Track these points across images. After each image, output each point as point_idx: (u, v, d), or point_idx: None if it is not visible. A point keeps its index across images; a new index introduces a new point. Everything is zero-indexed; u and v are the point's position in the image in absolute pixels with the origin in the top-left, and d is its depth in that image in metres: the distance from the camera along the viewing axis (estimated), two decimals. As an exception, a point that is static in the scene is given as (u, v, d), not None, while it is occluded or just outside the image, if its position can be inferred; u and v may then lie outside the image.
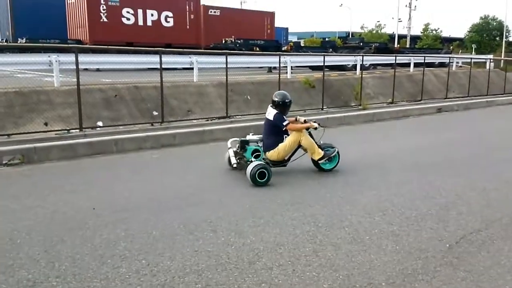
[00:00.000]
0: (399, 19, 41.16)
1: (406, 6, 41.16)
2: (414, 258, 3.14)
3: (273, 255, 3.16)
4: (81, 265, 2.99)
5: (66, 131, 7.46)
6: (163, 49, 10.59)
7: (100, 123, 8.36)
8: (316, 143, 5.60)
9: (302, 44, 30.94)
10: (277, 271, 2.91)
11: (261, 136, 5.81)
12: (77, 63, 7.61)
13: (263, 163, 5.19)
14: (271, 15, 27.97)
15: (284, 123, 5.46)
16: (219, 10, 24.78)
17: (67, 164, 6.17)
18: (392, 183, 5.22)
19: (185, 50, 14.15)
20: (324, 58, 13.39)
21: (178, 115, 10.75)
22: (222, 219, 3.90)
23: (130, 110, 10.14)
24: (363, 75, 15.06)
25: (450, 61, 19.49)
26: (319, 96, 13.32)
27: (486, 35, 51.75)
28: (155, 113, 10.31)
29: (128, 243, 3.35)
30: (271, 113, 5.58)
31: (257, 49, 18.33)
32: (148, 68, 13.17)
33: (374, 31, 46.70)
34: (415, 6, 41.20)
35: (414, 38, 50.18)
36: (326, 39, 35.81)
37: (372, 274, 2.90)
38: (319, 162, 5.62)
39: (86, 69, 13.82)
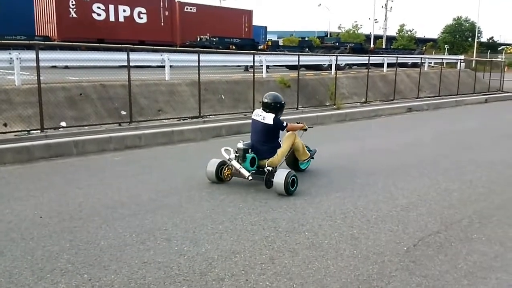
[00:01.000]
0: (375, 19, 41.74)
1: (382, 7, 41.79)
2: (370, 262, 3.09)
3: (227, 264, 3.05)
4: (17, 281, 2.79)
5: (26, 132, 7.16)
6: (131, 46, 10.31)
7: (63, 124, 8.07)
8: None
9: (280, 43, 30.99)
10: (228, 282, 2.80)
11: (249, 143, 5.25)
12: (37, 60, 7.32)
13: (291, 170, 4.91)
14: (249, 13, 27.81)
15: (284, 124, 5.24)
16: (195, 7, 24.44)
17: (21, 168, 5.86)
18: (358, 184, 5.19)
19: (155, 47, 13.89)
20: (298, 57, 13.35)
21: (148, 114, 10.51)
22: (178, 226, 3.76)
23: (97, 110, 9.85)
24: (338, 75, 15.13)
25: (422, 61, 19.80)
26: (295, 96, 13.30)
27: (458, 36, 53.02)
28: (123, 112, 10.05)
29: (72, 256, 3.16)
30: (267, 117, 5.13)
31: (233, 47, 18.16)
32: (120, 66, 12.89)
33: (351, 31, 47.14)
34: (391, 7, 41.96)
35: (390, 39, 50.97)
36: (306, 39, 35.93)
37: (327, 281, 2.83)
38: (300, 162, 5.58)
39: (54, 67, 13.42)
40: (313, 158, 5.81)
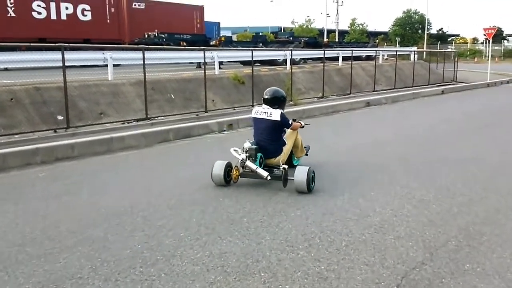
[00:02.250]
0: (328, 14, 41.88)
1: (333, 1, 41.92)
2: (345, 316, 2.39)
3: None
4: None
5: None
6: (65, 44, 9.16)
7: (-19, 134, 6.87)
8: None
9: (234, 39, 30.15)
10: None
11: (254, 142, 5.02)
12: None
13: (309, 166, 4.66)
14: (200, 9, 26.82)
15: (290, 122, 5.11)
16: (144, 4, 23.20)
17: None
18: (320, 197, 4.51)
19: (94, 45, 12.67)
20: (252, 52, 12.61)
21: (89, 118, 9.41)
22: (97, 271, 2.88)
23: (29, 116, 8.74)
24: (293, 70, 14.55)
25: (377, 54, 19.69)
26: (249, 93, 12.57)
27: (409, 28, 54.47)
28: (60, 117, 8.97)
29: None
30: (274, 113, 4.93)
31: (184, 43, 17.13)
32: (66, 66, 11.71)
33: (304, 26, 47.04)
34: (342, 2, 42.12)
35: (342, 33, 51.44)
36: (259, 34, 35.28)
37: None
38: (294, 159, 5.52)
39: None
40: (307, 154, 5.74)
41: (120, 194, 4.64)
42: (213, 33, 30.34)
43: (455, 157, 6.26)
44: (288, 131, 5.22)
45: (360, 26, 52.97)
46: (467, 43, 55.37)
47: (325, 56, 15.38)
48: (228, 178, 4.83)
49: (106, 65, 10.93)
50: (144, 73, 9.81)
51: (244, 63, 17.32)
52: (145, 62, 9.87)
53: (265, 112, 5.00)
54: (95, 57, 11.09)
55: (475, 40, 58.13)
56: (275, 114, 4.91)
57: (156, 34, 17.95)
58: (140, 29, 20.68)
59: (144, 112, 9.83)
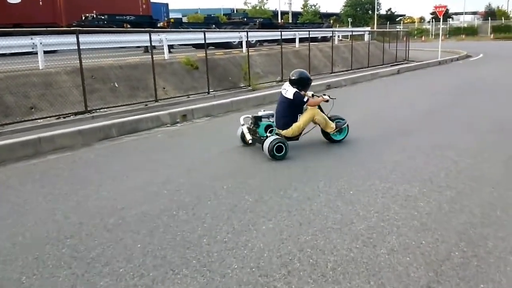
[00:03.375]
0: (281, -6, 41.03)
1: (286, -19, 41.14)
2: None
3: None
4: None
5: None
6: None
7: None
8: (326, 116, 5.75)
9: (184, 21, 28.70)
10: None
11: (272, 112, 5.87)
12: None
13: (280, 137, 5.31)
14: (146, -12, 25.07)
15: (305, 99, 5.51)
16: (82, -18, 21.20)
17: None
18: (293, 199, 3.83)
19: (22, 30, 11.18)
20: (204, 34, 11.63)
21: (17, 114, 8.18)
22: None
23: None
24: (250, 53, 13.72)
25: (333, 34, 19.24)
26: (204, 79, 11.66)
27: (359, 9, 54.86)
28: (-21, 116, 7.71)
29: None
30: (289, 91, 5.55)
31: (128, 26, 15.75)
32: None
33: (257, 7, 45.99)
34: (295, -19, 41.36)
35: (296, 14, 50.96)
36: (212, 16, 33.94)
37: None
38: (331, 134, 5.82)
39: None
40: (342, 129, 5.90)
41: (43, 215, 3.71)
42: (161, 14, 28.71)
43: (429, 144, 5.79)
44: (307, 108, 5.62)
45: (313, 8, 52.69)
46: (414, 22, 56.77)
47: (282, 37, 14.66)
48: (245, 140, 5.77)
49: (51, 51, 9.58)
50: (80, 59, 8.68)
51: (197, 46, 16.27)
52: (82, 47, 8.73)
53: (285, 89, 5.63)
54: (21, 43, 9.67)
55: (421, 20, 59.79)
56: (289, 93, 5.50)
57: (95, 16, 16.32)
58: (78, 11, 18.86)
59: (83, 104, 8.71)
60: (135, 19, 17.26)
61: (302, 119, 5.58)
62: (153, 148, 6.16)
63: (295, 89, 5.49)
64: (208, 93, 11.46)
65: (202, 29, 12.50)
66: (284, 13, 44.11)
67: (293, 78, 5.61)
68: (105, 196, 4.14)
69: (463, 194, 3.93)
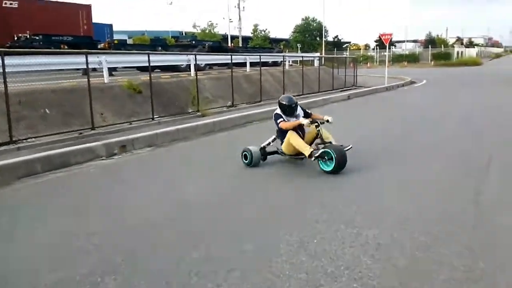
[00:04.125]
0: (230, 19, 41.08)
1: (235, 7, 41.40)
2: None
3: None
4: None
5: None
6: None
7: None
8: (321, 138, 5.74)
9: (130, 42, 27.68)
10: None
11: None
12: None
13: (249, 148, 5.96)
14: (87, 8, 23.88)
15: (278, 121, 5.89)
16: (17, 2, 19.78)
17: None
18: (248, 253, 3.18)
19: None
20: (148, 56, 10.88)
21: None
22: None
23: None
24: (199, 76, 13.09)
25: (284, 59, 19.16)
26: (148, 104, 10.82)
27: (308, 35, 56.41)
28: None
29: None
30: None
31: (66, 47, 14.64)
32: None
33: (207, 30, 45.82)
34: (244, 7, 41.76)
35: (246, 39, 51.34)
36: (160, 38, 33.08)
37: None
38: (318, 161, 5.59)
39: None
40: (331, 159, 5.41)
41: None
42: (105, 35, 27.47)
43: (393, 178, 5.40)
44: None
45: (263, 32, 53.41)
46: (360, 49, 59.24)
47: (233, 61, 14.21)
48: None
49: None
50: (5, 83, 7.62)
51: (142, 69, 15.41)
52: (10, 70, 7.71)
53: None
54: None
55: (367, 47, 62.56)
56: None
57: (29, 36, 15.01)
58: (13, 30, 17.44)
59: (7, 134, 7.60)
60: (73, 40, 16.11)
61: (285, 138, 5.84)
62: (82, 187, 5.27)
63: (277, 112, 5.94)
64: (153, 119, 10.63)
65: (146, 51, 11.72)
66: (233, 37, 44.22)
67: (279, 101, 6.03)
68: (15, 256, 3.25)
69: (439, 240, 3.46)
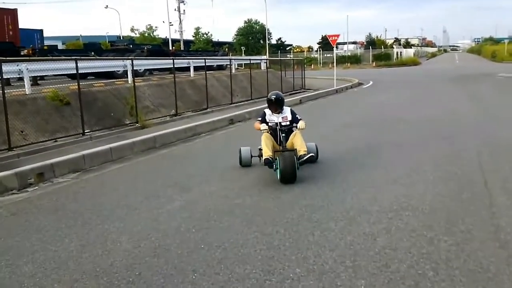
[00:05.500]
0: (170, 23, 39.27)
1: (175, 10, 39.76)
2: None
3: None
4: None
5: None
6: None
7: None
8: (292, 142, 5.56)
9: (60, 47, 25.37)
10: None
11: None
12: None
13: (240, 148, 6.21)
14: (13, 13, 21.26)
15: (258, 118, 5.90)
16: None
17: None
18: None
19: None
20: (76, 63, 9.39)
21: None
22: None
23: None
24: (137, 83, 11.75)
25: (231, 63, 18.14)
26: (78, 116, 9.34)
27: (251, 37, 55.87)
28: None
29: None
30: None
31: (-18, 54, 12.59)
32: None
33: (146, 34, 43.65)
34: (184, 10, 40.24)
35: (188, 42, 49.75)
36: (94, 43, 30.73)
37: None
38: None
39: None
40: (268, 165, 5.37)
41: None
42: (34, 41, 24.91)
43: (369, 202, 4.54)
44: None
45: (205, 36, 52.08)
46: (303, 51, 59.67)
47: (175, 66, 12.96)
48: None
49: None
50: None
51: (74, 77, 13.68)
52: None
53: None
54: None
55: (310, 49, 63.18)
56: None
57: None
58: None
59: None
60: (-9, 47, 14.00)
61: None
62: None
63: (265, 109, 5.88)
64: (83, 134, 9.18)
65: (73, 57, 10.18)
66: (175, 41, 42.51)
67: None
68: None
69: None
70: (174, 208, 4.56)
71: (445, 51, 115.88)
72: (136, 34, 43.82)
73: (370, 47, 55.81)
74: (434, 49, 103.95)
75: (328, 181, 5.30)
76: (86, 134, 9.25)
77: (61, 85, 10.94)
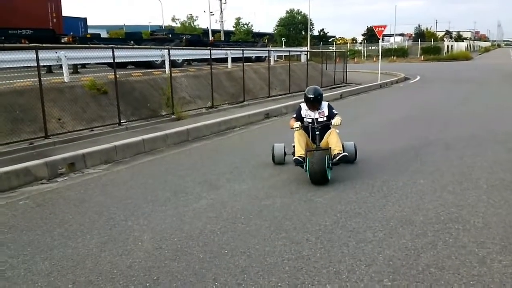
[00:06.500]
0: (211, 12, 39.31)
1: (216, -1, 39.71)
2: None
3: None
4: None
5: None
6: None
7: None
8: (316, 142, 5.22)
9: (104, 36, 25.95)
10: None
11: None
12: None
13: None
14: (56, 1, 21.99)
15: (293, 115, 5.59)
16: (-27, -8, 17.79)
17: None
18: None
19: None
20: (113, 51, 9.38)
21: None
22: None
23: None
24: (175, 74, 11.68)
25: (269, 54, 17.76)
26: (114, 106, 9.36)
27: (292, 28, 54.98)
28: None
29: None
30: None
31: (26, 41, 12.98)
32: None
33: (186, 24, 43.95)
34: (226, 0, 40.10)
35: (228, 33, 49.76)
36: (135, 32, 31.26)
37: None
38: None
39: None
40: (298, 163, 5.10)
41: None
42: (79, 30, 25.66)
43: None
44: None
45: (246, 26, 51.81)
46: (347, 43, 57.97)
47: (212, 56, 12.78)
48: None
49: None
50: None
51: (112, 65, 13.85)
52: None
53: None
54: None
55: (354, 41, 61.35)
56: None
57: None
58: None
59: None
60: (33, 33, 14.34)
61: None
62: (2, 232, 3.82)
63: (301, 104, 5.57)
64: (119, 124, 9.17)
65: (110, 45, 10.19)
66: (215, 32, 42.57)
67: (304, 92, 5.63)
68: None
69: None
70: (201, 207, 4.34)
71: (499, 46, 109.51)
72: (177, 24, 44.27)
73: (419, 39, 53.20)
74: (488, 44, 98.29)
75: (367, 184, 4.89)
76: (122, 124, 9.25)
77: (99, 74, 11.06)
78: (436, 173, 5.32)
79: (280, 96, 15.32)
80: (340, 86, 19.14)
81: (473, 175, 5.18)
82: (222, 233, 3.68)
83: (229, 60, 15.58)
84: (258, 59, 20.61)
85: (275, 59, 20.83)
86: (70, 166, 5.69)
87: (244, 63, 13.97)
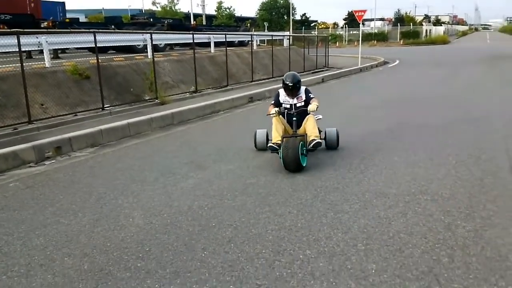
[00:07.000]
0: (193, -4, 38.83)
1: (198, -18, 39.19)
2: None
3: None
4: None
5: None
6: None
7: None
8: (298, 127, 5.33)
9: (82, 21, 25.47)
10: None
11: None
12: None
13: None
14: (34, -15, 21.43)
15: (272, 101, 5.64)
16: None
17: None
18: None
19: None
20: (94, 36, 9.36)
21: None
22: None
23: None
24: (157, 58, 11.72)
25: (252, 39, 17.83)
26: (97, 90, 9.38)
27: (275, 13, 54.72)
28: None
29: None
30: None
31: (5, 27, 12.74)
32: None
33: (167, 8, 43.31)
34: (207, -17, 39.55)
35: (210, 17, 49.28)
36: (115, 16, 30.70)
37: None
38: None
39: None
40: (273, 150, 5.18)
41: None
42: (57, 14, 25.10)
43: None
44: None
45: (228, 10, 51.36)
46: (328, 28, 58.14)
47: (195, 41, 12.81)
48: None
49: None
50: None
51: (93, 50, 13.71)
52: None
53: None
54: None
55: (335, 25, 61.53)
56: None
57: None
58: None
59: None
60: (12, 19, 14.08)
61: None
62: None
63: (279, 90, 5.57)
64: (103, 109, 9.23)
65: (92, 30, 10.14)
66: (197, 16, 42.11)
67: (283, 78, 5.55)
68: None
69: None
70: (189, 185, 4.54)
71: (476, 29, 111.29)
72: (157, 8, 43.55)
73: (398, 24, 53.73)
74: (465, 28, 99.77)
75: (346, 162, 5.17)
76: (106, 109, 9.30)
77: (81, 59, 11.01)
78: (410, 150, 5.64)
79: (263, 81, 15.48)
80: (322, 70, 19.39)
81: (444, 152, 5.52)
82: (209, 208, 3.90)
83: (212, 44, 15.62)
84: (241, 44, 20.66)
85: (258, 43, 20.91)
86: (57, 150, 5.80)
87: (227, 48, 14.04)
